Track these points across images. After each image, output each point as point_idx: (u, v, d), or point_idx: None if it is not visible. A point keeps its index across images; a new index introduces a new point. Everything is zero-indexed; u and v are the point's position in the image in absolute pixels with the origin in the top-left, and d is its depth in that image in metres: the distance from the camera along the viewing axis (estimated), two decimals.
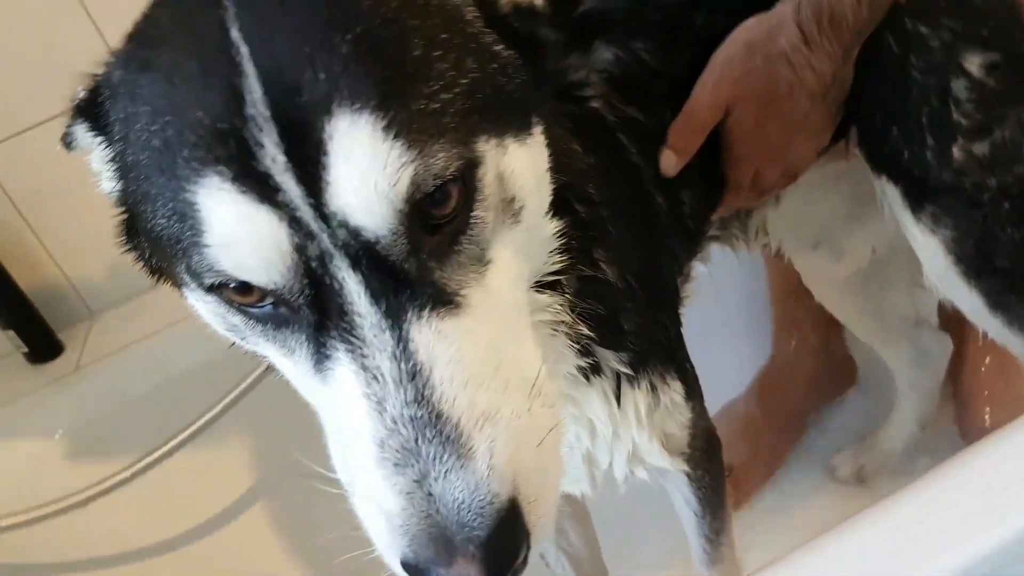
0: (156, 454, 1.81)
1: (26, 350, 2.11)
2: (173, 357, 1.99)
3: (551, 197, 0.86)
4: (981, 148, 1.24)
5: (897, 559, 0.92)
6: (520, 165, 0.77)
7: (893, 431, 1.94)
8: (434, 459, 0.69)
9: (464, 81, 0.74)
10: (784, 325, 2.05)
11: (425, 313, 0.72)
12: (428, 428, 0.70)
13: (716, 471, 1.30)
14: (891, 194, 1.31)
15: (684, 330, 1.23)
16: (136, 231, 0.85)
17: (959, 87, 1.23)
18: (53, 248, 2.14)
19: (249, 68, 0.69)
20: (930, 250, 1.31)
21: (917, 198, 1.29)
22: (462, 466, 0.69)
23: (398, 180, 0.69)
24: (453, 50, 0.74)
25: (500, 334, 0.76)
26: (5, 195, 2.06)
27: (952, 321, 1.82)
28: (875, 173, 1.31)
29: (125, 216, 0.86)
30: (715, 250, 1.45)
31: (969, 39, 1.24)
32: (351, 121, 0.68)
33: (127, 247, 0.89)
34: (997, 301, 1.33)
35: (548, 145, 0.85)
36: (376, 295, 0.71)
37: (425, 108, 0.71)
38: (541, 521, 0.73)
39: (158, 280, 0.89)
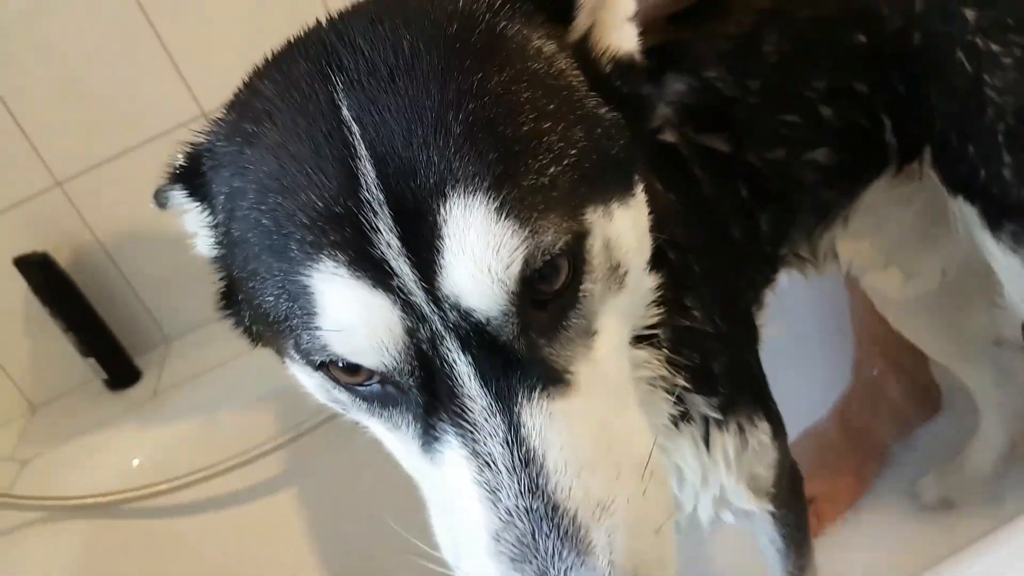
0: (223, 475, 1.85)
1: (106, 377, 2.15)
2: (249, 383, 2.01)
3: (651, 252, 0.85)
4: None
5: None
6: (624, 228, 0.76)
7: (979, 454, 1.88)
8: (553, 556, 0.68)
9: (572, 152, 0.73)
10: (866, 349, 2.00)
11: (535, 395, 0.71)
12: (545, 521, 0.69)
13: (800, 508, 1.28)
14: (968, 214, 1.27)
15: (765, 354, 1.21)
16: (236, 299, 0.86)
17: None
18: (130, 275, 2.18)
19: (362, 150, 0.69)
20: (1012, 270, 1.27)
21: (996, 217, 1.24)
22: (583, 563, 0.68)
23: (511, 262, 0.68)
24: (561, 120, 0.73)
25: (609, 411, 0.75)
26: (85, 225, 2.11)
27: None
28: (951, 193, 1.27)
29: (225, 284, 0.87)
30: (790, 275, 1.42)
31: None
32: (465, 204, 0.68)
33: (226, 313, 0.90)
34: None
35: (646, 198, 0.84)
36: (486, 377, 0.71)
37: (535, 183, 0.70)
38: None
39: (256, 345, 0.90)
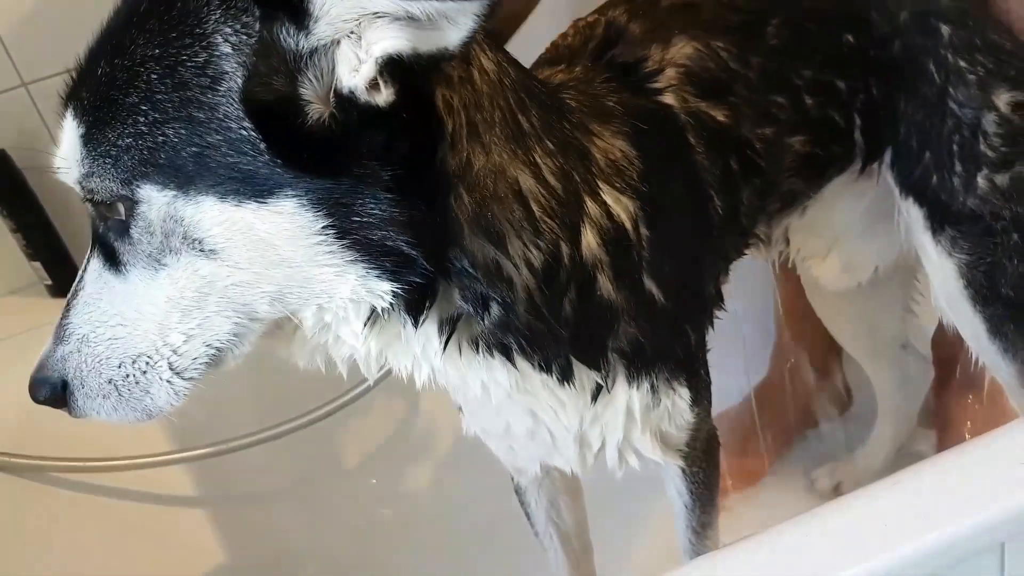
0: None
1: (49, 282, 2.15)
2: None
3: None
4: (1002, 179, 1.34)
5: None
6: (215, 218, 0.87)
7: (871, 450, 2.04)
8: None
9: (158, 138, 0.85)
10: (784, 345, 2.12)
11: (99, 257, 0.94)
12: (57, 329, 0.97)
13: (712, 470, 1.37)
14: (914, 216, 1.40)
15: None
16: None
17: (988, 120, 1.32)
18: None
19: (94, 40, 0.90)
20: (944, 272, 1.40)
21: (939, 222, 1.38)
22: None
23: (74, 174, 0.89)
24: (163, 114, 0.85)
25: (133, 306, 0.93)
26: (47, 129, 2.09)
27: (945, 352, 1.93)
28: (902, 194, 1.40)
29: None
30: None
31: (1000, 77, 1.34)
32: (71, 117, 0.89)
33: None
34: (998, 328, 1.43)
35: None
36: (96, 224, 0.93)
37: (112, 141, 0.87)
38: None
39: None
